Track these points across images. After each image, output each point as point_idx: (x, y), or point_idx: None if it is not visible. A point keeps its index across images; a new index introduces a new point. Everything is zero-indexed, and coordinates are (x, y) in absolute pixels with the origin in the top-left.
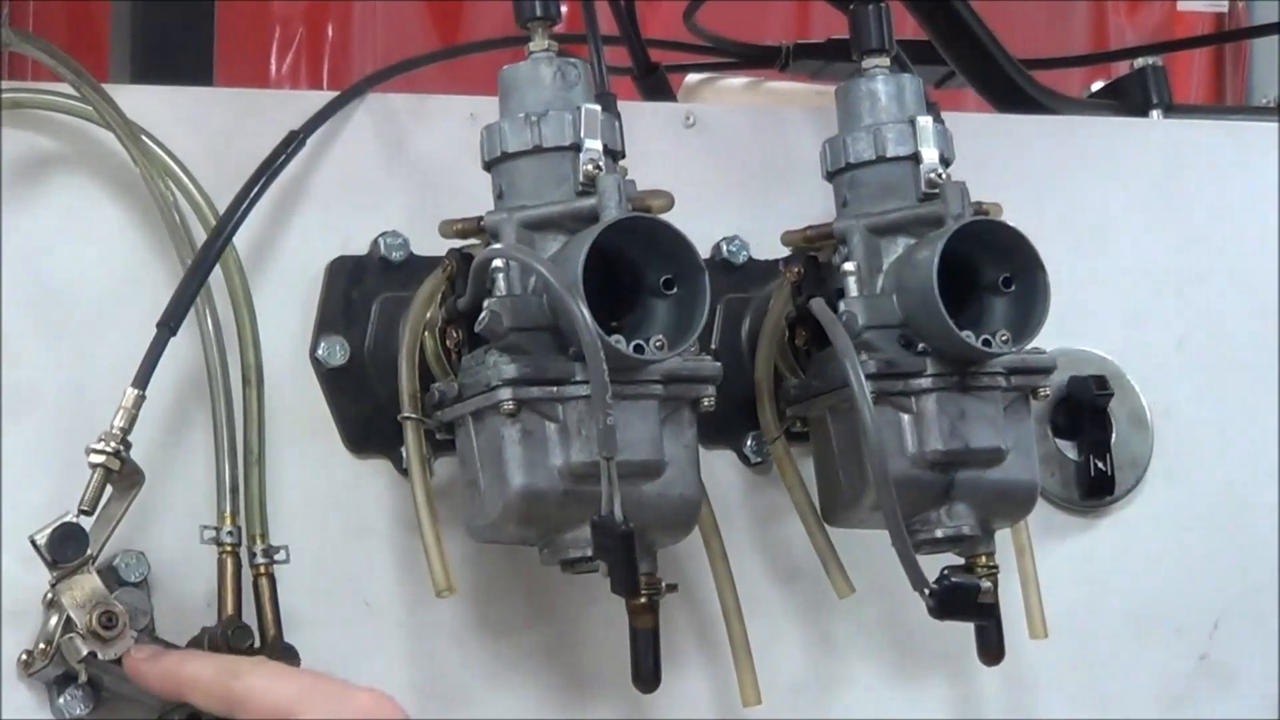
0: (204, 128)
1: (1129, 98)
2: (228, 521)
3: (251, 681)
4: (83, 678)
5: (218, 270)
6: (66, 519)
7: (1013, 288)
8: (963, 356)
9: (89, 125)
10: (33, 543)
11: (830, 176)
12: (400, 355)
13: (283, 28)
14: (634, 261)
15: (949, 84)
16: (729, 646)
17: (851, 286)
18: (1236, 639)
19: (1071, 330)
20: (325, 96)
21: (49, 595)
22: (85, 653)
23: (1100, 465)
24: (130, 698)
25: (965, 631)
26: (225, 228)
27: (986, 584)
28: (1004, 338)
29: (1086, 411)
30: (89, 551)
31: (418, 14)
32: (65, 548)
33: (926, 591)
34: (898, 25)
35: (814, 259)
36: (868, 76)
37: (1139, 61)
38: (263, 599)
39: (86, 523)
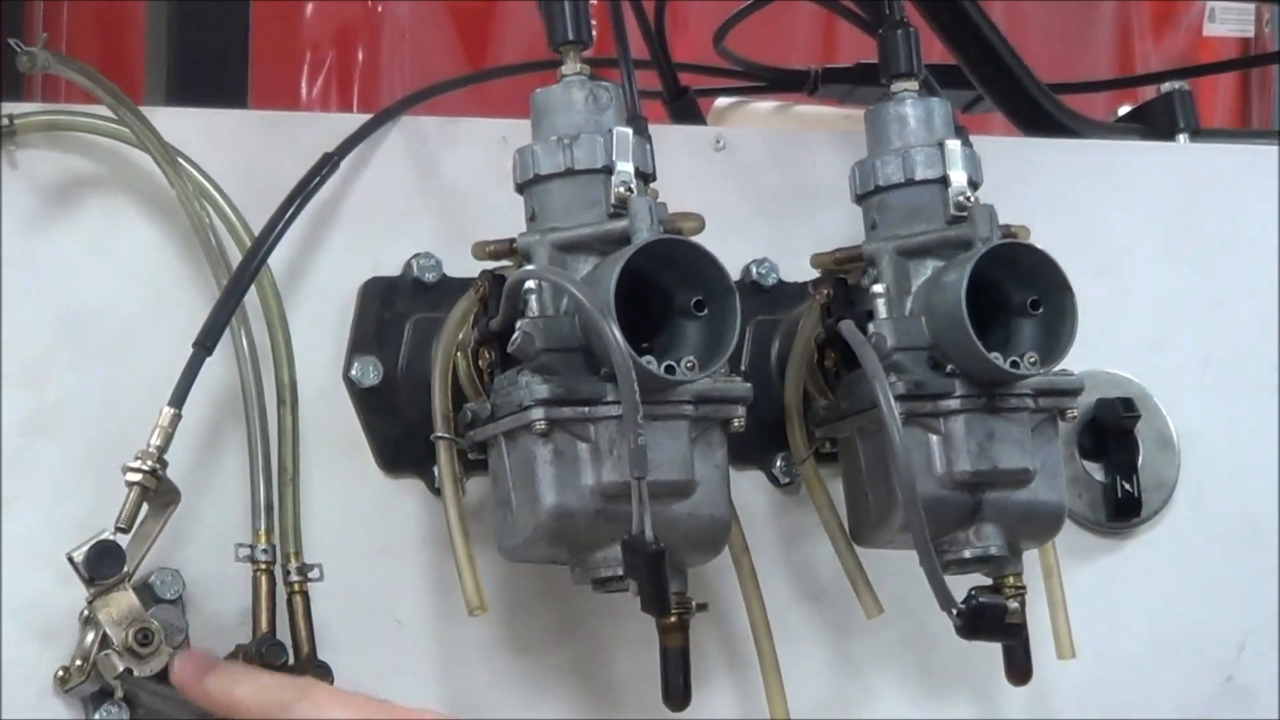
0: (238, 149)
1: (1155, 122)
2: (262, 539)
3: (305, 707)
4: (119, 694)
5: (253, 291)
6: (103, 536)
7: (1040, 310)
8: (991, 378)
9: (125, 147)
10: (70, 560)
11: (859, 199)
12: (433, 375)
13: (314, 52)
14: (665, 283)
15: (976, 108)
16: (758, 665)
17: (880, 309)
18: (1262, 662)
19: (1098, 353)
20: (356, 119)
21: (85, 612)
22: (121, 669)
23: (1127, 487)
24: (166, 714)
25: (991, 652)
26: (260, 249)
27: (1014, 604)
28: (1032, 360)
29: (1113, 433)
30: (125, 569)
31: (446, 39)
32: (102, 565)
33: (954, 611)
34: (925, 50)
35: (843, 281)
36: (896, 100)
37: (1165, 86)
38: (296, 616)
39: (123, 539)
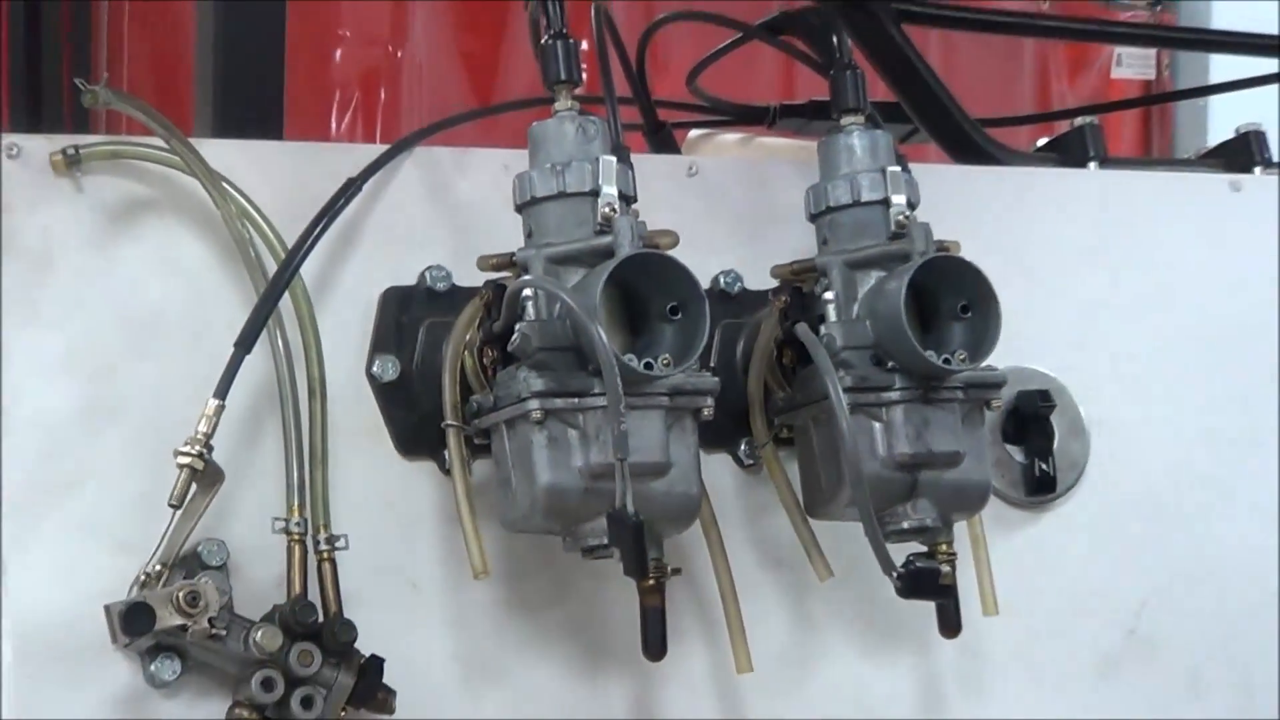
0: (275, 175)
1: (1070, 151)
2: (295, 514)
3: None
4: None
5: (286, 297)
6: (137, 596)
7: (969, 314)
8: (926, 373)
9: (177, 173)
10: (106, 610)
11: (813, 218)
12: (443, 371)
13: (342, 90)
14: (644, 291)
15: (914, 139)
16: (725, 622)
17: (831, 313)
18: (1160, 617)
19: (1019, 350)
20: (377, 149)
21: (140, 577)
22: (174, 625)
23: (1044, 467)
24: (212, 663)
25: (927, 610)
26: (293, 261)
27: (946, 568)
28: (962, 357)
29: (1031, 421)
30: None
31: (457, 79)
32: (133, 622)
33: (894, 575)
34: (870, 89)
35: (799, 289)
36: (845, 132)
37: (1078, 120)
38: (325, 581)
39: (162, 528)
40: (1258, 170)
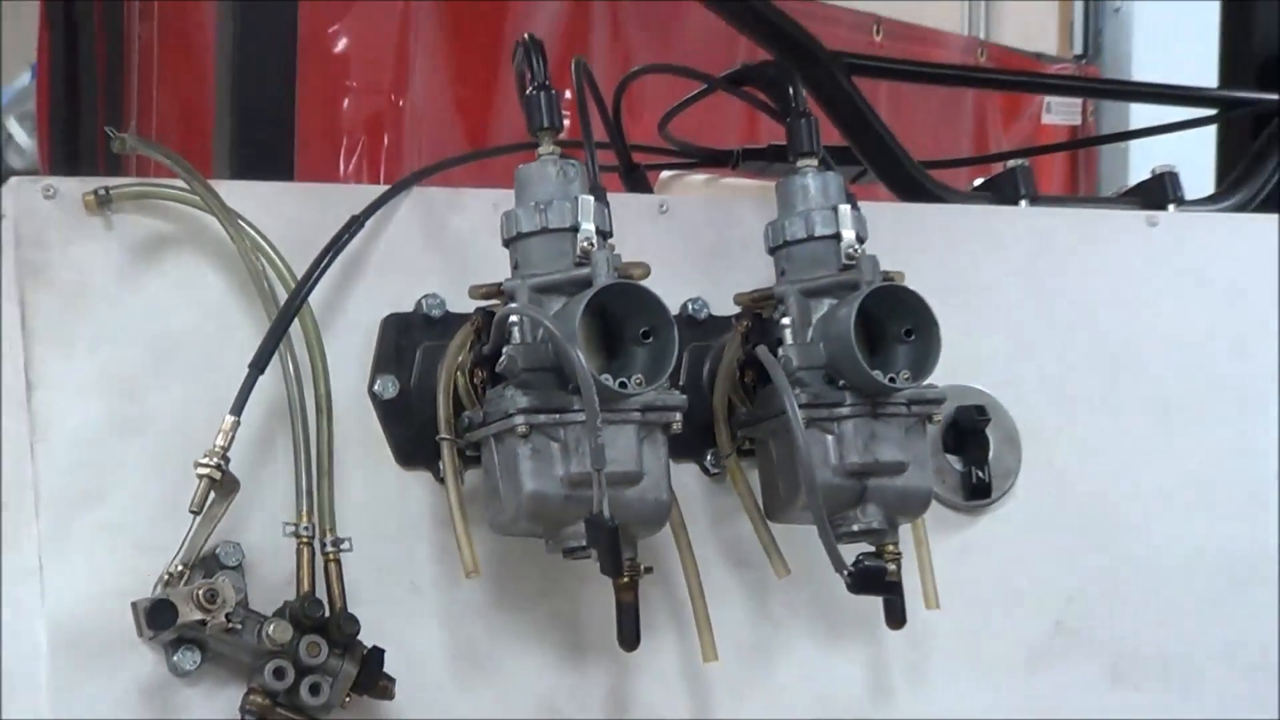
0: (286, 213)
1: (1003, 191)
2: (304, 519)
3: None
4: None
5: (296, 323)
6: (161, 594)
7: (913, 338)
8: (874, 391)
9: (197, 211)
10: (133, 606)
11: (771, 251)
12: (438, 390)
13: (349, 135)
14: (619, 317)
15: (864, 179)
16: (693, 616)
17: (788, 337)
18: (1085, 611)
19: (958, 370)
20: (380, 189)
21: (164, 577)
22: (195, 619)
23: (980, 475)
24: (228, 654)
25: (875, 604)
26: (302, 290)
27: (892, 567)
28: (906, 376)
29: (969, 433)
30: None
31: (453, 125)
32: (157, 617)
33: (845, 573)
34: (824, 134)
35: (759, 315)
36: (801, 174)
37: (1011, 162)
38: (331, 579)
39: (183, 532)
40: (1171, 207)
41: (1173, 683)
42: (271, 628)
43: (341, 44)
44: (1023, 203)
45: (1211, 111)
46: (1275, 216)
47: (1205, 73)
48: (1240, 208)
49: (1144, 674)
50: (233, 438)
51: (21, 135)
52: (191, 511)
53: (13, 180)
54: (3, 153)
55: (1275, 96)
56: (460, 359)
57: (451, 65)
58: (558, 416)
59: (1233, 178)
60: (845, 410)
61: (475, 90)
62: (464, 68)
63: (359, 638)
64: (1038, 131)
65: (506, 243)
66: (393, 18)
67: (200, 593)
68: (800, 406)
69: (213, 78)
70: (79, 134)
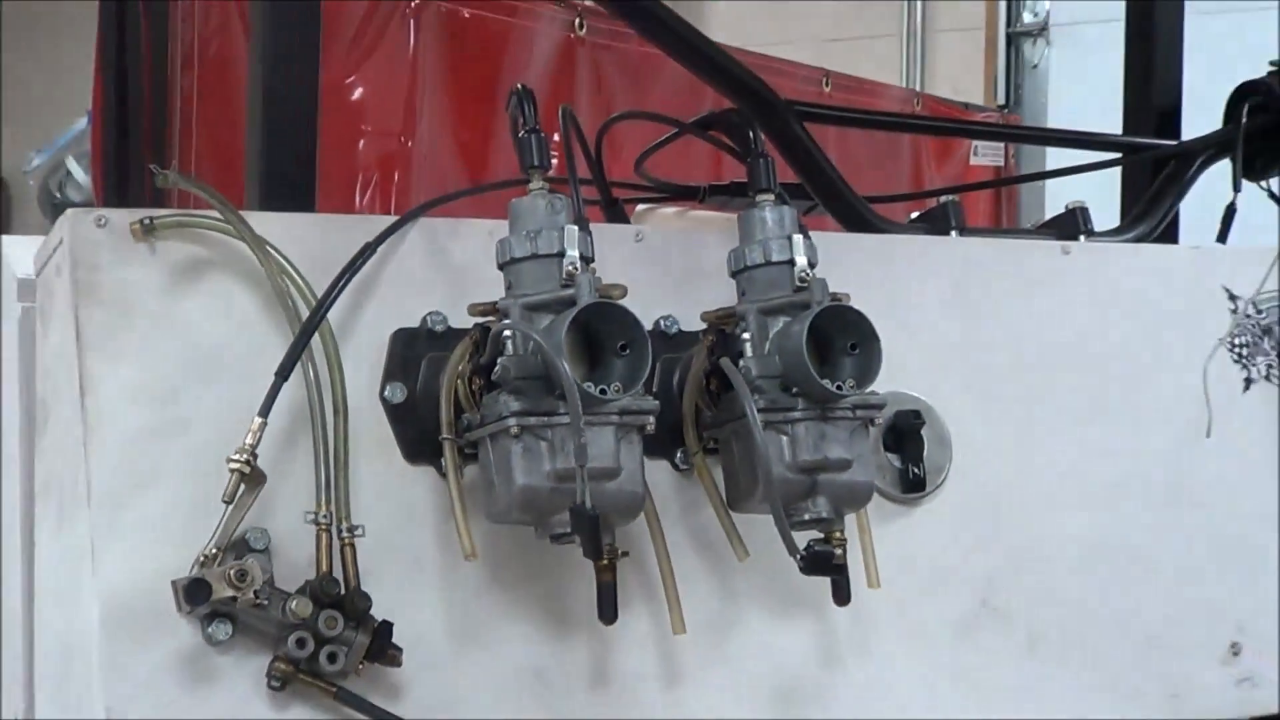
0: (308, 240)
1: (936, 223)
2: (323, 509)
3: None
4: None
5: (316, 336)
6: (197, 573)
7: (857, 351)
8: (823, 397)
9: (230, 238)
10: (173, 585)
11: (734, 275)
12: (441, 395)
13: (364, 173)
14: (600, 332)
15: (814, 212)
16: (664, 594)
17: (748, 350)
18: (1006, 589)
19: (896, 379)
20: (390, 220)
21: (200, 559)
22: (227, 596)
23: (915, 471)
24: (257, 628)
25: (824, 584)
26: (321, 307)
27: (838, 551)
28: (851, 384)
29: (906, 434)
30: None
31: (455, 164)
32: (194, 594)
33: (798, 556)
34: (779, 173)
35: (723, 331)
36: (759, 207)
37: (943, 198)
38: (346, 561)
39: (217, 520)
40: (1082, 238)
41: (1078, 651)
42: (294, 603)
43: (357, 93)
44: (953, 233)
45: (1117, 155)
46: (1171, 247)
47: (1112, 121)
48: (1142, 239)
49: (1055, 644)
50: (260, 437)
51: (79, 172)
52: (224, 502)
53: (69, 211)
54: (64, 188)
55: (1171, 143)
56: (460, 368)
57: (454, 112)
58: (546, 419)
59: (1135, 213)
60: (798, 414)
61: (474, 133)
62: (464, 114)
63: (371, 612)
64: (966, 171)
65: (501, 266)
66: (402, 70)
67: (232, 573)
68: (759, 411)
69: (245, 122)
70: (128, 171)
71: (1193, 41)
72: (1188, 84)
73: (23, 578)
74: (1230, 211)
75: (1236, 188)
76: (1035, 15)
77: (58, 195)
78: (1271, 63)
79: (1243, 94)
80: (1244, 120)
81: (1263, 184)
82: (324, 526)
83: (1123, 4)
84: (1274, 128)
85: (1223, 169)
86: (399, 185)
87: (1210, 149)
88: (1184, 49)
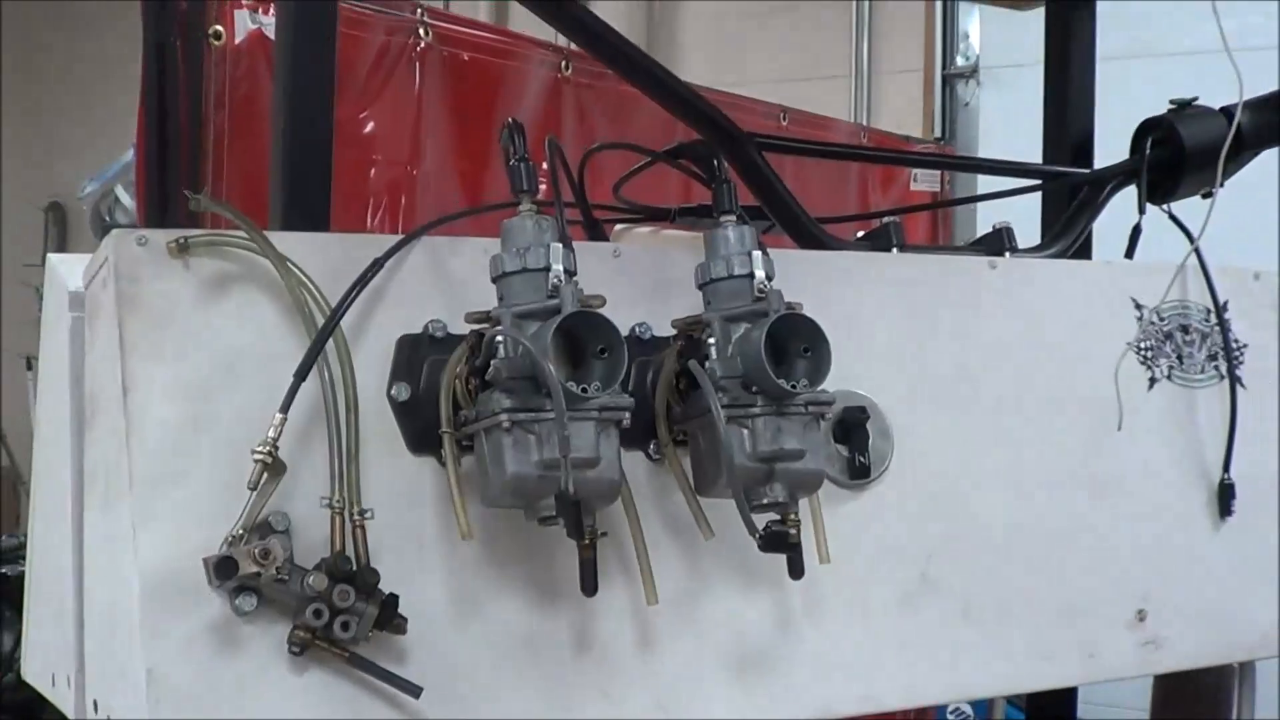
0: (324, 257)
1: (880, 241)
2: (337, 494)
3: None
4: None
5: (331, 341)
6: (225, 552)
7: (809, 354)
8: (779, 395)
9: (255, 255)
10: (204, 561)
11: (700, 287)
12: (441, 394)
13: (374, 197)
14: (582, 337)
15: (772, 231)
16: (638, 569)
17: (713, 353)
18: (942, 565)
19: (844, 379)
20: (397, 238)
21: (228, 539)
22: (252, 572)
23: (861, 460)
24: (279, 600)
25: (780, 560)
26: (335, 316)
27: (793, 531)
28: (804, 383)
29: (853, 427)
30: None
31: (455, 189)
32: (222, 570)
33: (757, 536)
34: (741, 196)
35: (691, 337)
36: (723, 227)
37: (886, 219)
38: (357, 541)
39: (243, 504)
40: (1007, 254)
41: (1007, 619)
42: (311, 578)
43: (369, 127)
44: (894, 250)
45: (1038, 182)
46: (1086, 262)
47: (1033, 152)
48: (1059, 255)
49: (986, 613)
50: (281, 431)
51: (126, 198)
52: (249, 488)
53: (114, 232)
54: (113, 212)
55: (1085, 171)
56: (458, 370)
57: (454, 143)
58: (533, 414)
59: (1053, 232)
60: (757, 410)
61: (472, 162)
62: (463, 145)
63: (379, 586)
64: (907, 195)
65: (494, 279)
66: (409, 107)
67: (256, 551)
68: (722, 407)
69: (269, 153)
70: (167, 197)
71: (1103, 83)
72: (1100, 120)
73: (73, 554)
74: (1136, 232)
75: (1141, 210)
76: (967, 59)
77: (107, 218)
78: (1171, 102)
79: (1146, 129)
80: (1147, 152)
81: (1164, 207)
82: (337, 510)
83: (1042, 50)
84: (1172, 159)
85: (1129, 194)
86: (406, 207)
87: (1118, 177)
88: (1095, 89)
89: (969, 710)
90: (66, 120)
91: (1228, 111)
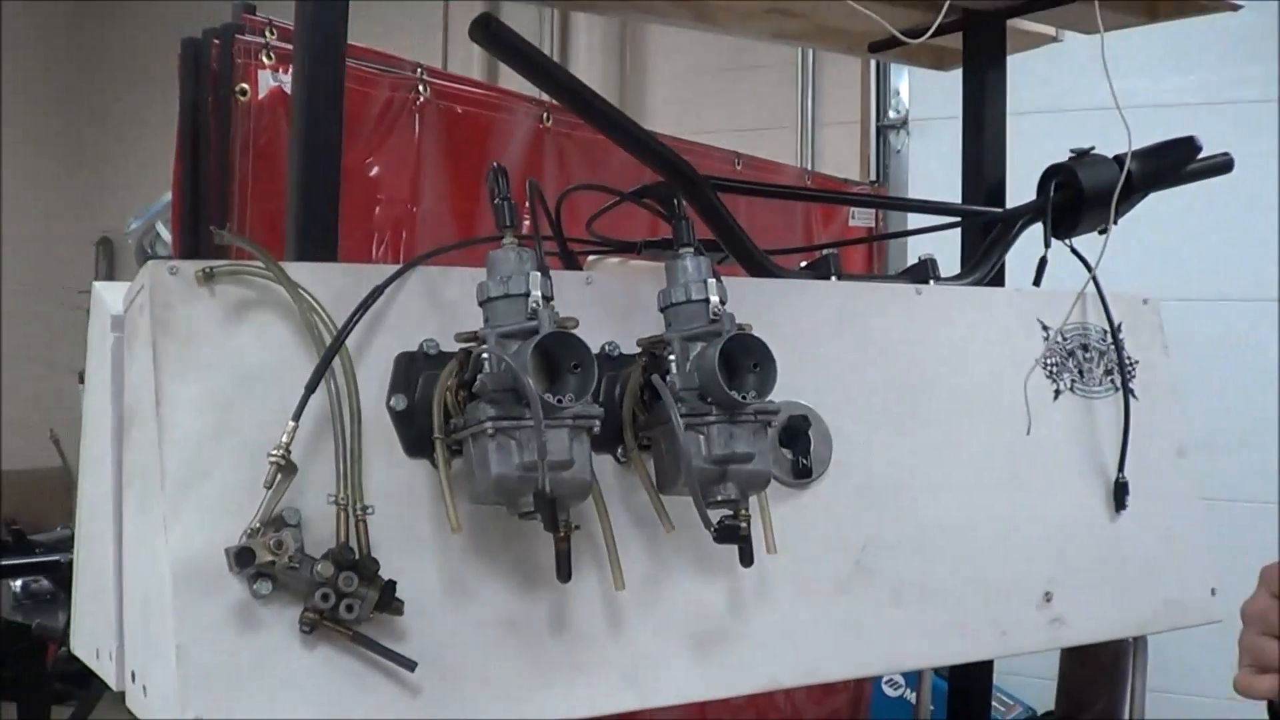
0: (332, 285)
1: (821, 270)
2: (342, 492)
3: None
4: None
5: (337, 359)
6: (244, 544)
7: (758, 369)
8: (731, 405)
9: (272, 283)
10: (226, 551)
11: (662, 310)
12: (434, 404)
13: (378, 233)
14: (558, 355)
15: (725, 262)
16: (608, 558)
17: (673, 369)
18: (875, 554)
19: (789, 390)
20: (396, 268)
21: (247, 531)
22: (267, 561)
23: (804, 462)
24: (291, 586)
25: (732, 550)
26: (341, 336)
27: (744, 525)
28: (753, 395)
29: (797, 433)
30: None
31: (449, 225)
32: (241, 559)
33: (712, 529)
34: (698, 231)
35: (654, 354)
36: (682, 257)
37: (826, 251)
38: (360, 534)
39: (260, 501)
40: (931, 282)
41: (932, 602)
42: (319, 566)
43: (374, 170)
44: (833, 278)
45: (958, 219)
46: (999, 289)
47: (954, 193)
48: (976, 283)
49: (914, 597)
50: (293, 437)
51: (165, 233)
52: (265, 487)
53: (149, 263)
54: (154, 245)
55: (998, 210)
56: (449, 383)
57: (449, 185)
58: (515, 422)
59: (971, 263)
60: (712, 418)
61: (465, 201)
62: (457, 186)
63: (379, 573)
64: (846, 230)
65: (481, 303)
66: (409, 153)
67: (271, 542)
68: (681, 416)
69: (286, 195)
70: (199, 232)
71: (1013, 134)
72: (1011, 166)
73: (114, 545)
74: (1042, 263)
75: (1047, 245)
76: (898, 112)
77: (149, 251)
78: (1071, 151)
79: (1050, 174)
80: (1051, 194)
81: (1066, 241)
82: (343, 506)
83: (960, 106)
84: (1073, 200)
85: (1036, 230)
86: (406, 241)
87: (1027, 215)
88: (1007, 139)
89: (902, 680)
90: (113, 165)
91: (1119, 160)
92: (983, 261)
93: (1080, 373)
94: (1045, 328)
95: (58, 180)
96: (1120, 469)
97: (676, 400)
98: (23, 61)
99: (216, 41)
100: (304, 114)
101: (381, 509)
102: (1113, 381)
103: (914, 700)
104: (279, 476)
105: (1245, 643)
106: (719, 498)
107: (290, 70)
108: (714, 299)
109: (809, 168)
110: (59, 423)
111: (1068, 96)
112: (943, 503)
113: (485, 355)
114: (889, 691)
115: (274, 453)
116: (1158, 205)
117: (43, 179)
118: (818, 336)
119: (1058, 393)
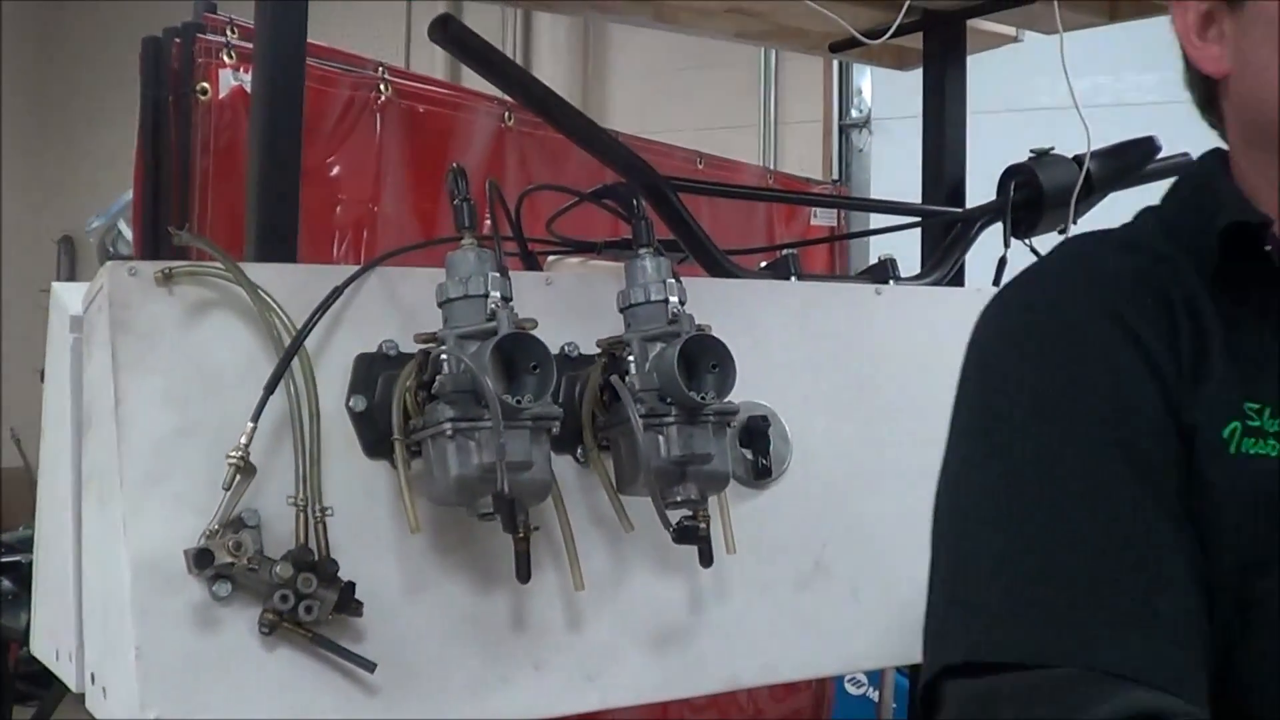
0: (291, 285)
1: (781, 270)
2: (301, 494)
3: None
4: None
5: (296, 359)
6: (202, 545)
7: (717, 369)
8: (690, 405)
9: (230, 284)
10: (185, 553)
11: (621, 311)
12: (393, 405)
13: (339, 232)
14: (516, 355)
15: (685, 262)
16: (567, 558)
17: (632, 369)
18: (834, 553)
19: (748, 391)
20: (356, 268)
21: (206, 532)
22: (226, 562)
23: (764, 462)
24: (250, 587)
25: (692, 550)
26: (300, 336)
27: (703, 525)
28: (712, 395)
29: (756, 434)
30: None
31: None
32: (200, 560)
33: (671, 529)
34: (659, 231)
35: (613, 354)
36: (641, 258)
37: (786, 251)
38: (319, 535)
39: (219, 502)
40: (891, 282)
41: (887, 598)
42: (279, 568)
43: (335, 170)
44: (793, 278)
45: (918, 219)
46: (958, 289)
47: (915, 193)
48: (936, 283)
49: (870, 594)
50: (252, 438)
51: (127, 232)
52: (224, 489)
53: (108, 264)
54: (116, 244)
55: (958, 210)
56: (408, 384)
57: (410, 184)
58: (474, 423)
59: (931, 263)
60: (671, 419)
61: (426, 201)
62: (418, 186)
63: (338, 575)
64: (808, 230)
65: (440, 304)
66: (370, 153)
67: (230, 544)
68: (641, 416)
69: (245, 194)
70: (158, 232)
71: (973, 134)
72: (971, 166)
73: (73, 544)
74: (1002, 263)
75: (1006, 244)
76: (860, 111)
77: (111, 250)
78: (1031, 151)
79: (1010, 174)
80: (1011, 193)
81: (1025, 241)
82: (302, 508)
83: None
84: (1032, 199)
85: (996, 230)
86: (367, 241)
87: (987, 215)
88: (968, 139)
89: (864, 678)
90: (74, 164)
91: (1079, 160)
92: (942, 261)
93: None
94: None
95: (19, 178)
96: None
97: (636, 401)
98: None
99: (177, 40)
100: (264, 113)
101: (341, 510)
102: None
103: (877, 699)
104: (238, 478)
105: None
106: (678, 498)
107: (251, 69)
108: (673, 299)
109: (772, 167)
110: (22, 421)
111: (1028, 96)
112: (901, 502)
113: (444, 356)
114: (851, 690)
115: (233, 454)
116: (1118, 204)
117: (4, 177)
118: (777, 337)
119: None
